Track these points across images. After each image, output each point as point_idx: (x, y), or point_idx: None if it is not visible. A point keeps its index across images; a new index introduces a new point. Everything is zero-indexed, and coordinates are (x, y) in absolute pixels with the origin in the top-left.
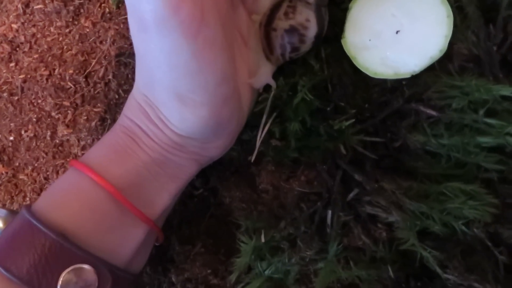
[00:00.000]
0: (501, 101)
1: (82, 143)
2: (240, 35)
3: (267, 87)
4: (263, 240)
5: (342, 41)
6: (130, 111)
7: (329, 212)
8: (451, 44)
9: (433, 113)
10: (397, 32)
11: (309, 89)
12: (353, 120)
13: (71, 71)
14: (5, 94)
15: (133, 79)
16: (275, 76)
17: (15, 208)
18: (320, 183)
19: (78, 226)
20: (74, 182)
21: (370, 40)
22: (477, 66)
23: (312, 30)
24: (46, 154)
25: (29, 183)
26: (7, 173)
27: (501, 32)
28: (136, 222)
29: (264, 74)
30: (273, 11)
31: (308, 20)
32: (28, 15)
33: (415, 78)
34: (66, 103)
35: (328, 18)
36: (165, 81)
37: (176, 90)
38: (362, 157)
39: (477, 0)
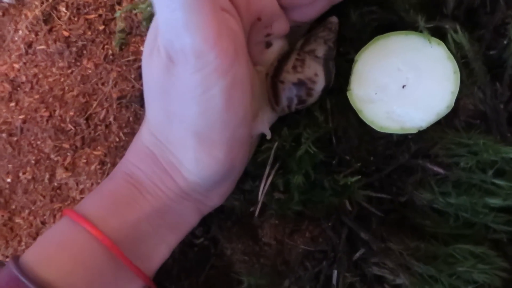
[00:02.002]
0: (510, 161)
1: (81, 186)
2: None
3: (273, 138)
4: None
5: (348, 94)
6: (134, 156)
7: (335, 272)
8: (457, 99)
9: (440, 170)
10: (403, 86)
11: (313, 141)
12: (359, 177)
13: (71, 113)
14: (4, 135)
15: (134, 122)
16: (278, 126)
17: (9, 253)
18: (325, 240)
19: (69, 283)
20: (68, 234)
21: (376, 93)
22: (484, 123)
23: (320, 84)
24: (44, 197)
25: (25, 227)
26: (3, 216)
27: (507, 90)
28: (132, 278)
29: (261, 122)
30: (281, 63)
31: (316, 75)
32: (30, 55)
33: (421, 133)
34: (66, 146)
35: (335, 71)
36: (187, 118)
37: (196, 128)
38: (367, 212)
39: (484, 56)
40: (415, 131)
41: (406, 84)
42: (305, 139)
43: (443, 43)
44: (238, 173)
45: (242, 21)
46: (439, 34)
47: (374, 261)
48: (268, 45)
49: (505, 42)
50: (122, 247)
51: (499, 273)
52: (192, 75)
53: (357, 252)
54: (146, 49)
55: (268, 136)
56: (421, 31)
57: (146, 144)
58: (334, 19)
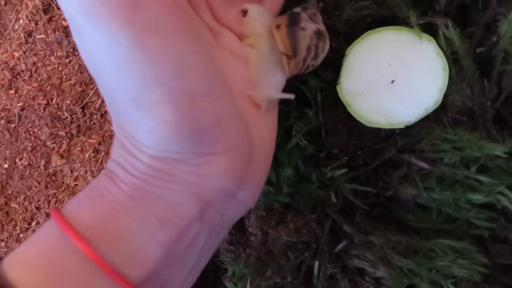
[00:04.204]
0: (494, 158)
1: (75, 174)
2: (228, 51)
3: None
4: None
5: (338, 87)
6: (112, 150)
7: (316, 263)
8: (446, 95)
9: (425, 165)
10: (392, 81)
11: (303, 135)
12: (346, 169)
13: (68, 101)
14: (2, 121)
15: None
16: None
17: (5, 237)
18: (308, 232)
19: (33, 286)
20: (43, 229)
21: (365, 88)
22: (471, 120)
23: (327, 45)
24: (39, 183)
25: (20, 211)
26: None
27: (495, 87)
28: (112, 286)
29: (266, 86)
30: (294, 13)
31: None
32: (30, 44)
33: (409, 128)
34: (62, 133)
35: None
36: (114, 86)
37: (129, 96)
38: (353, 205)
39: (473, 53)
40: (403, 126)
41: (396, 79)
42: (296, 132)
43: (433, 40)
44: (230, 132)
45: None
46: (431, 30)
47: (355, 254)
48: (244, 12)
49: (494, 39)
50: (97, 246)
51: (479, 268)
52: (93, 37)
53: (340, 243)
54: None
55: (292, 97)
56: (412, 27)
57: (116, 134)
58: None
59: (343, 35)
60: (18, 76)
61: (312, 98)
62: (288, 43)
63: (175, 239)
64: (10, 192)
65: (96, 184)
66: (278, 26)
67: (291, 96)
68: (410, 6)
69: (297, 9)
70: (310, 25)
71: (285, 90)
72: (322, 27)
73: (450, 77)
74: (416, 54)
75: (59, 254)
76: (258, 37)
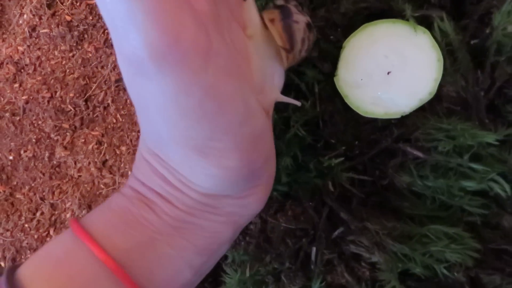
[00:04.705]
0: (486, 146)
1: (79, 165)
2: (238, 52)
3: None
4: (247, 274)
5: (335, 79)
6: (141, 173)
7: (314, 249)
8: (441, 86)
9: (420, 154)
10: (388, 73)
11: (301, 125)
12: (343, 158)
13: (71, 94)
14: (7, 114)
15: (131, 104)
16: None
17: (10, 227)
18: (306, 219)
19: None
20: (69, 250)
21: (362, 79)
22: (465, 110)
23: (315, 37)
24: (43, 174)
25: (25, 202)
26: (4, 191)
27: (488, 78)
28: None
29: (270, 89)
30: (284, 7)
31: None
32: (34, 38)
33: (405, 118)
34: (65, 126)
35: None
36: (177, 133)
37: (193, 142)
38: (350, 194)
39: (468, 45)
40: (398, 116)
41: (392, 70)
42: (294, 122)
43: (428, 32)
44: (270, 165)
45: None
46: (426, 22)
47: (351, 240)
48: None
49: (487, 31)
50: (131, 271)
51: (471, 253)
52: (162, 84)
53: (337, 230)
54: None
55: (299, 104)
56: (408, 20)
57: (149, 161)
58: None
59: (340, 27)
60: (22, 70)
61: (309, 89)
62: (285, 37)
63: (207, 260)
64: (15, 183)
65: (128, 208)
66: (272, 20)
67: (298, 103)
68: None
69: (280, 2)
70: (301, 18)
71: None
72: (309, 19)
73: (445, 68)
74: (411, 46)
75: (93, 278)
76: (256, 27)
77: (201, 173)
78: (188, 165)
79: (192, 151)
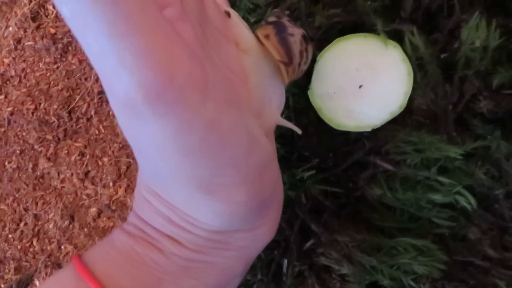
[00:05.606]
0: (453, 159)
1: (62, 176)
2: (232, 72)
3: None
4: None
5: (309, 92)
6: (143, 212)
7: (285, 261)
8: (412, 99)
9: (389, 167)
10: (360, 86)
11: (275, 138)
12: (314, 171)
13: (55, 106)
14: None
15: (114, 116)
16: None
17: None
18: (279, 231)
19: None
20: None
21: (334, 92)
22: (434, 123)
23: (312, 49)
24: (27, 185)
25: (9, 213)
26: None
27: (457, 91)
28: None
29: (273, 109)
30: (278, 21)
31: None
32: (19, 50)
33: (377, 131)
34: (49, 137)
35: None
36: (180, 173)
37: (197, 180)
38: (323, 205)
39: (438, 59)
40: (370, 129)
41: (363, 84)
42: None
43: (399, 46)
44: (279, 191)
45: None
46: (398, 36)
47: (321, 252)
48: (228, 14)
49: (455, 45)
50: None
51: (438, 265)
52: (159, 125)
53: (308, 242)
54: None
55: (299, 131)
56: (379, 34)
57: (150, 201)
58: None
59: (315, 41)
60: (8, 82)
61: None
62: (282, 50)
63: None
64: None
65: (133, 248)
66: (266, 36)
67: (298, 131)
68: (379, 13)
69: (272, 18)
70: (297, 30)
71: None
72: (304, 31)
73: (416, 82)
74: (382, 60)
75: None
76: (249, 40)
77: (208, 211)
78: (194, 204)
79: (197, 189)
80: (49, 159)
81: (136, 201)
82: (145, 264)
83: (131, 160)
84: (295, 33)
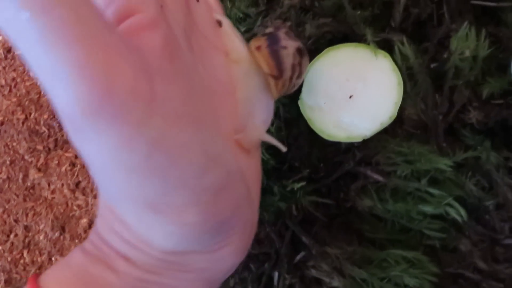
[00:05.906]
0: (444, 170)
1: (52, 187)
2: (218, 82)
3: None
4: None
5: (299, 103)
6: (101, 226)
7: (276, 273)
8: (402, 109)
9: (380, 178)
10: (350, 96)
11: (266, 148)
12: (304, 183)
13: (46, 116)
14: None
15: None
16: None
17: None
18: (269, 243)
19: None
20: None
21: (324, 103)
22: (425, 133)
23: (308, 63)
24: (17, 196)
25: None
26: None
27: (447, 101)
28: None
29: (258, 124)
30: (273, 33)
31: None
32: (9, 60)
33: (367, 141)
34: (39, 147)
35: None
36: (125, 191)
37: (144, 200)
38: (313, 217)
39: (428, 69)
40: (360, 140)
41: (353, 94)
42: None
43: (389, 56)
44: (246, 211)
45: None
46: (388, 46)
47: (312, 264)
48: (219, 23)
49: (444, 55)
50: None
51: (429, 278)
52: (101, 140)
53: (299, 254)
54: None
55: (284, 149)
56: (369, 44)
57: (106, 217)
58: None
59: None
60: None
61: (274, 113)
62: (272, 63)
63: None
64: None
65: (87, 267)
66: (258, 48)
67: (283, 148)
68: (369, 23)
69: (269, 30)
70: (291, 43)
71: None
72: (301, 44)
73: (406, 92)
74: (372, 70)
75: None
76: (239, 51)
77: (159, 231)
78: (144, 223)
79: (145, 208)
80: (39, 170)
81: (98, 216)
82: (98, 285)
83: None
84: (289, 45)
